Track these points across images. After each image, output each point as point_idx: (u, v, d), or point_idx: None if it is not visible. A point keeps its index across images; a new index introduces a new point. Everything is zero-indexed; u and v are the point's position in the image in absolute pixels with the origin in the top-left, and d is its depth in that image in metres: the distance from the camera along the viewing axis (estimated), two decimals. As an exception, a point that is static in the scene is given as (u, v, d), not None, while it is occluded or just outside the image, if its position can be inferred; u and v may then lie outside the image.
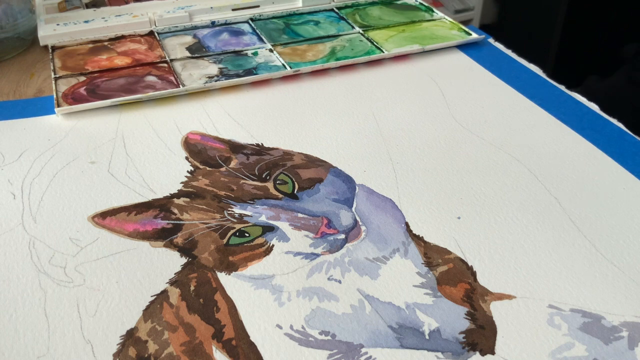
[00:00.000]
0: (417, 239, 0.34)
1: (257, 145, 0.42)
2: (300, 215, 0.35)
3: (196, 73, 0.51)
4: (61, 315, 0.29)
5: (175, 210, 0.35)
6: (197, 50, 0.54)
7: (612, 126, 0.44)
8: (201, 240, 0.34)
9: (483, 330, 0.29)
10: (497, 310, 0.30)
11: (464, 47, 0.56)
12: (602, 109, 0.46)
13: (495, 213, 0.36)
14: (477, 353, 0.28)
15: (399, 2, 0.65)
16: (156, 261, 0.32)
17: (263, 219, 0.35)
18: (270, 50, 0.54)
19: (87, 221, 0.35)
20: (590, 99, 0.47)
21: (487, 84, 0.50)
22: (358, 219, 0.35)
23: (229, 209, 0.35)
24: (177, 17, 0.58)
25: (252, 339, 0.28)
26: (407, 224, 0.35)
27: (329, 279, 0.31)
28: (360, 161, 0.40)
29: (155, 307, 0.30)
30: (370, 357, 0.27)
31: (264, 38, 0.56)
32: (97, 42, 0.56)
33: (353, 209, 0.36)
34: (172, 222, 0.35)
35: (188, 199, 0.36)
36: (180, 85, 0.48)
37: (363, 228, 0.34)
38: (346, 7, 0.63)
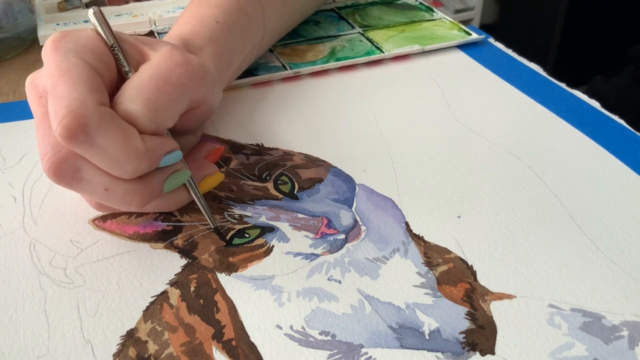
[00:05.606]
0: (417, 239, 0.34)
1: (257, 145, 0.42)
2: (300, 215, 0.35)
3: (196, 73, 0.50)
4: (61, 315, 0.29)
5: (176, 212, 0.35)
6: (197, 51, 0.54)
7: (613, 123, 0.44)
8: (201, 241, 0.34)
9: (483, 330, 0.29)
10: (497, 310, 0.30)
11: (464, 47, 0.55)
12: (608, 109, 0.46)
13: (496, 212, 0.36)
14: (477, 353, 0.28)
15: (399, 2, 0.65)
16: (156, 262, 0.32)
17: (263, 219, 0.35)
18: (270, 51, 0.54)
19: (87, 224, 0.35)
20: (596, 99, 0.46)
21: (487, 83, 0.50)
22: (358, 218, 0.35)
23: (229, 209, 0.35)
24: (177, 17, 0.58)
25: (252, 339, 0.28)
26: (407, 224, 0.35)
27: (329, 279, 0.31)
28: (360, 161, 0.40)
29: (156, 307, 0.30)
30: (370, 357, 0.27)
31: (263, 38, 0.56)
32: (97, 43, 0.55)
33: (353, 208, 0.36)
34: (173, 223, 0.35)
35: (188, 200, 0.36)
36: (180, 86, 0.48)
37: (363, 228, 0.34)
38: (346, 7, 0.63)
